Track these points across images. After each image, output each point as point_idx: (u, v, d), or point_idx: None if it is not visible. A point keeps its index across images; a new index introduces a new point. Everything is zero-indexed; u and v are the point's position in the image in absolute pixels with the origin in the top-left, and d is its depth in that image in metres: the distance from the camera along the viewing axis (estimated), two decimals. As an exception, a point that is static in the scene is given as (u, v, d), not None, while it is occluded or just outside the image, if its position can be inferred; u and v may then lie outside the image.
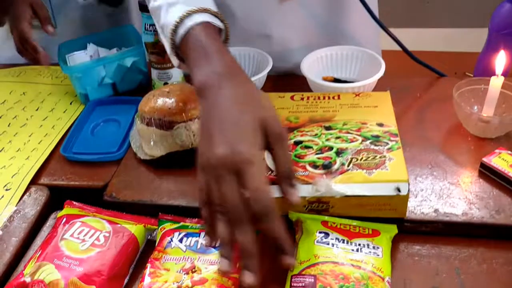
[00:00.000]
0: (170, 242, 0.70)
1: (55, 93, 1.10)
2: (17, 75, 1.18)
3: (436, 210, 0.74)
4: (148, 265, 0.68)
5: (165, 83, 0.99)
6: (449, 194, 0.76)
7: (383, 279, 0.64)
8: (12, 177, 0.88)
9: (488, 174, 0.78)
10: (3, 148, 0.96)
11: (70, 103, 1.06)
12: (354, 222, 0.71)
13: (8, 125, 1.02)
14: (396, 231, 0.71)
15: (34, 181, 0.87)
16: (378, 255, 0.67)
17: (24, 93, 1.12)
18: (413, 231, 0.74)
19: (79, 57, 1.05)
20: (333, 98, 0.86)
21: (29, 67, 1.20)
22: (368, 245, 0.68)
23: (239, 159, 0.55)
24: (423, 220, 0.73)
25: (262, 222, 0.55)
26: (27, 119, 1.03)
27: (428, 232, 0.74)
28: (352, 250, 0.67)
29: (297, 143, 0.76)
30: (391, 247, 0.70)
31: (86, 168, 0.89)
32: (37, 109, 1.06)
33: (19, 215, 0.81)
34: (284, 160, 0.60)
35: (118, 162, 0.89)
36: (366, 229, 0.70)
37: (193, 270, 0.66)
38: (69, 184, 0.87)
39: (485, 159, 0.78)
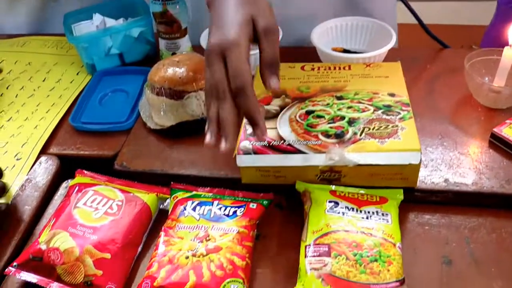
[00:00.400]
0: (183, 210, 0.71)
1: (61, 63, 1.09)
2: (22, 45, 1.17)
3: (446, 180, 0.74)
4: (162, 233, 0.69)
5: (173, 53, 0.98)
6: (459, 164, 0.77)
7: (394, 245, 0.65)
8: (22, 146, 0.88)
9: (499, 144, 0.78)
10: (11, 117, 0.95)
11: (77, 74, 1.05)
12: (362, 190, 0.72)
13: (16, 96, 1.01)
14: (402, 195, 0.71)
15: (43, 151, 0.88)
16: (387, 222, 0.68)
17: (29, 63, 1.11)
18: (423, 200, 0.75)
19: (85, 27, 1.04)
20: (344, 68, 0.85)
21: (33, 37, 1.19)
22: (377, 212, 0.69)
23: (225, 44, 0.62)
24: (433, 190, 0.74)
25: (238, 96, 0.61)
26: (34, 89, 1.03)
27: (438, 202, 0.74)
28: (362, 218, 0.68)
29: (309, 112, 0.76)
30: (401, 216, 0.71)
31: (95, 137, 0.89)
32: (43, 80, 1.05)
33: (30, 184, 0.82)
34: (269, 51, 0.65)
35: (127, 132, 0.89)
36: (374, 196, 0.71)
37: (207, 238, 0.66)
38: (79, 154, 0.87)
39: (495, 129, 0.78)
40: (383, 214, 0.68)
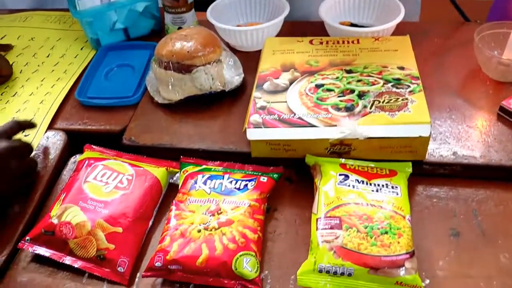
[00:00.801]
0: (194, 184, 0.71)
1: (64, 38, 1.08)
2: (24, 20, 1.15)
3: (454, 153, 0.75)
4: (173, 207, 0.69)
5: (179, 28, 0.97)
6: (468, 137, 0.77)
7: (404, 217, 0.65)
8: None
9: (507, 117, 0.78)
10: (16, 92, 0.95)
11: (81, 49, 1.05)
12: (371, 164, 0.72)
13: (20, 72, 1.01)
14: (411, 168, 0.72)
15: (50, 126, 0.87)
16: (397, 194, 0.68)
17: (32, 38, 1.09)
18: (432, 173, 0.75)
19: (90, 2, 1.02)
20: (352, 42, 0.85)
21: (36, 12, 1.18)
22: (386, 185, 0.69)
23: None
24: (441, 163, 0.74)
25: None
26: (38, 65, 1.02)
27: (446, 175, 0.75)
28: (372, 190, 0.68)
29: (318, 86, 0.76)
30: (410, 189, 0.71)
31: (102, 112, 0.89)
32: (47, 56, 1.04)
33: (39, 159, 0.82)
34: None
35: (134, 107, 0.88)
36: (383, 169, 0.71)
37: (219, 212, 0.67)
38: (86, 129, 0.87)
39: (504, 102, 0.78)
40: (392, 187, 0.69)
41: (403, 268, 0.60)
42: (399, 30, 0.93)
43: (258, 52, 0.93)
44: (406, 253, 0.61)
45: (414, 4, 1.16)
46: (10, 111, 0.90)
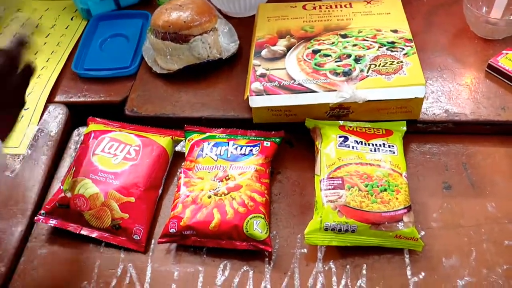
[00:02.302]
0: (200, 152, 0.74)
1: (52, 8, 1.07)
2: (8, -9, 1.13)
3: (446, 111, 0.78)
4: (182, 175, 0.72)
5: (171, -5, 0.97)
6: (458, 95, 0.80)
7: (400, 174, 0.70)
8: (27, 96, 0.88)
9: (495, 74, 0.82)
10: (11, 68, 0.94)
11: (71, 19, 1.04)
12: (368, 124, 0.75)
13: (10, 44, 1.00)
14: (405, 126, 0.75)
15: (49, 100, 0.88)
16: (394, 153, 0.72)
17: (19, 9, 1.08)
18: (425, 131, 0.79)
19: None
20: (345, 6, 0.86)
21: (19, -18, 1.15)
22: (384, 144, 0.73)
23: None
24: (434, 121, 0.78)
25: None
26: (28, 36, 1.01)
27: (439, 132, 0.79)
28: (371, 150, 0.72)
29: (315, 51, 0.78)
30: (405, 147, 0.75)
31: (100, 84, 0.90)
32: (36, 26, 1.03)
33: (42, 133, 0.83)
34: None
35: (132, 77, 0.89)
36: (380, 129, 0.75)
37: (227, 177, 0.70)
38: (86, 101, 0.88)
39: (492, 60, 0.81)
40: (389, 146, 0.73)
41: (402, 222, 0.65)
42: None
43: (251, 18, 0.94)
44: (404, 208, 0.66)
45: None
46: (8, 87, 0.90)
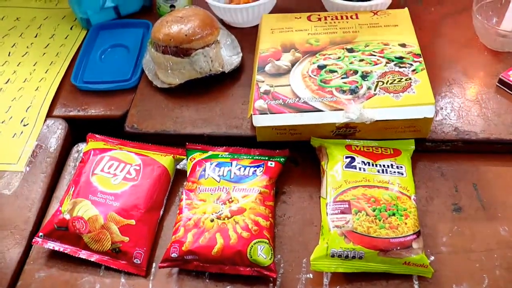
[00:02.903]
0: (203, 172, 0.72)
1: (51, 17, 1.05)
2: (6, 0, 1.11)
3: (456, 129, 0.76)
4: (184, 196, 0.70)
5: (172, 6, 0.94)
6: (468, 111, 0.78)
7: (409, 197, 0.67)
8: (26, 110, 0.86)
9: (505, 89, 0.79)
10: (9, 79, 0.93)
11: (71, 28, 1.02)
12: (375, 143, 0.73)
13: (9, 54, 0.98)
14: (414, 145, 0.73)
15: (48, 113, 0.86)
16: (402, 174, 0.70)
17: (17, 18, 1.06)
18: (434, 150, 0.77)
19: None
20: (351, 17, 0.84)
21: (17, -10, 1.13)
22: (392, 165, 0.71)
23: None
24: (444, 140, 0.76)
25: None
26: (27, 46, 0.99)
27: (448, 150, 0.76)
28: (378, 171, 0.70)
29: (321, 67, 0.76)
30: (413, 166, 0.73)
31: (99, 97, 0.88)
32: (35, 36, 1.01)
33: (41, 150, 0.81)
34: None
35: (132, 90, 0.87)
36: (388, 149, 0.73)
37: (230, 200, 0.68)
38: (86, 115, 0.86)
39: (503, 75, 0.79)
40: (397, 167, 0.70)
41: (411, 248, 0.63)
42: (395, -1, 0.92)
43: (254, 28, 0.92)
44: (413, 234, 0.64)
45: None
46: (6, 100, 0.88)
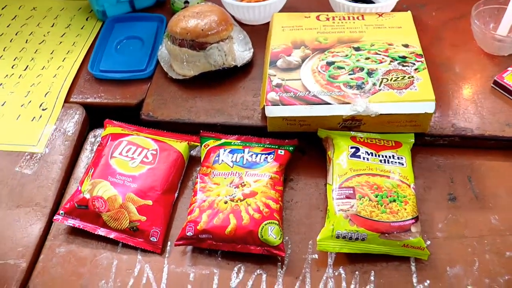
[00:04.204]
0: (217, 158, 0.76)
1: (68, 8, 1.09)
2: (23, -11, 1.14)
3: (453, 125, 0.81)
4: (198, 180, 0.75)
5: (186, 2, 0.99)
6: (465, 109, 0.83)
7: (409, 185, 0.72)
8: (45, 96, 0.90)
9: (500, 90, 0.85)
10: (27, 66, 0.96)
11: (86, 19, 1.05)
12: (378, 136, 0.78)
13: (26, 42, 1.02)
14: (414, 139, 0.78)
15: (66, 99, 0.90)
16: (402, 165, 0.75)
17: (34, 8, 1.09)
18: (432, 144, 0.82)
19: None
20: (358, 18, 0.89)
21: (34, -19, 1.17)
22: (393, 156, 0.76)
23: None
24: (441, 135, 0.81)
25: None
26: (44, 35, 1.03)
27: (445, 145, 0.82)
28: (381, 161, 0.75)
29: (329, 63, 0.81)
30: (412, 158, 0.78)
31: (115, 85, 0.92)
32: (52, 25, 1.05)
33: (59, 133, 0.85)
34: None
35: (147, 80, 0.92)
36: (390, 141, 0.78)
37: (243, 184, 0.73)
38: (102, 102, 0.90)
39: (497, 77, 0.84)
40: (398, 158, 0.75)
41: (410, 232, 0.68)
42: (399, 2, 0.96)
43: (265, 25, 0.96)
44: (412, 219, 0.69)
45: None
46: (25, 85, 0.92)
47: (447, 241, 0.71)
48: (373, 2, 0.99)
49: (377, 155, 0.75)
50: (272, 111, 0.76)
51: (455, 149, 0.81)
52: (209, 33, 0.83)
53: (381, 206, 0.69)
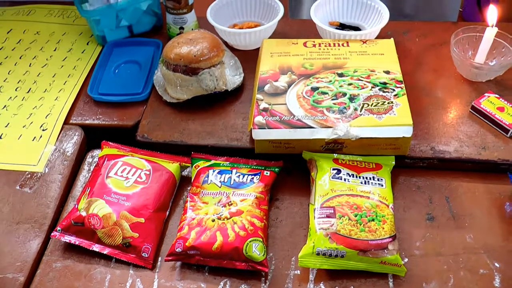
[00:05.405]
0: (206, 178, 0.80)
1: (69, 33, 1.14)
2: (27, 14, 1.20)
3: (432, 148, 0.85)
4: (188, 199, 0.79)
5: (181, 28, 1.04)
6: (444, 133, 0.88)
7: (387, 206, 0.76)
8: (46, 117, 0.95)
9: (477, 115, 0.89)
10: (30, 88, 1.01)
11: (87, 44, 1.11)
12: (359, 158, 0.82)
13: (30, 65, 1.07)
14: (394, 161, 0.82)
15: (65, 121, 0.95)
16: (382, 186, 0.79)
17: (38, 32, 1.15)
18: (412, 166, 0.86)
19: (97, 2, 1.07)
20: (343, 45, 0.94)
21: (38, 6, 1.22)
22: (373, 177, 0.80)
23: None
24: (421, 157, 0.85)
25: None
26: (46, 59, 1.08)
27: (424, 167, 0.86)
28: (361, 182, 0.79)
29: (314, 89, 0.85)
30: (393, 179, 0.82)
31: (113, 108, 0.97)
32: (54, 50, 1.10)
33: (59, 153, 0.90)
34: None
35: (143, 103, 0.96)
36: (370, 163, 0.82)
37: (229, 203, 0.77)
38: (100, 124, 0.95)
39: (475, 103, 0.89)
40: (378, 179, 0.79)
41: (387, 250, 0.72)
42: (384, 27, 1.01)
43: (256, 50, 1.01)
44: (389, 237, 0.73)
45: None
46: (28, 108, 0.97)
47: (424, 259, 0.75)
48: (359, 29, 1.05)
49: (358, 177, 0.80)
50: (259, 134, 0.81)
51: (434, 171, 0.85)
52: (201, 59, 0.88)
53: (360, 225, 0.73)
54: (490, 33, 0.89)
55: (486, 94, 0.89)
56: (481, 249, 0.75)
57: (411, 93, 0.92)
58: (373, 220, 0.74)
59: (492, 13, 0.90)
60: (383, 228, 0.73)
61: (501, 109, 0.87)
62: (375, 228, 0.73)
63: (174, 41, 0.92)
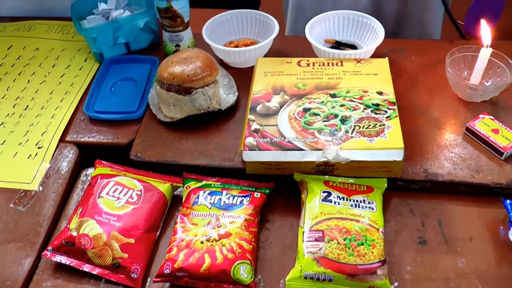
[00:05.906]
0: (196, 199, 0.81)
1: (68, 49, 1.15)
2: (28, 30, 1.22)
3: (425, 170, 0.85)
4: (178, 220, 0.79)
5: (177, 45, 1.05)
6: (437, 155, 0.87)
7: (377, 230, 0.76)
8: (42, 135, 0.96)
9: (472, 137, 0.88)
10: (28, 106, 1.02)
11: (85, 60, 1.12)
12: (351, 180, 0.82)
13: (28, 82, 1.08)
14: (386, 184, 0.82)
15: (61, 139, 0.96)
16: (373, 209, 0.78)
17: (37, 48, 1.16)
18: (405, 188, 0.85)
19: (95, 20, 1.09)
20: (337, 64, 0.94)
21: (38, 22, 1.24)
22: (364, 200, 0.79)
23: None
24: (414, 180, 0.84)
25: None
26: (45, 75, 1.09)
27: (417, 189, 0.85)
28: (351, 205, 0.78)
29: (306, 110, 0.85)
30: (385, 202, 0.81)
31: (108, 126, 0.97)
32: (53, 66, 1.11)
33: (53, 171, 0.90)
34: None
35: (138, 121, 0.97)
36: (362, 186, 0.81)
37: (219, 225, 0.77)
38: (95, 142, 0.95)
39: (469, 124, 0.88)
40: (369, 203, 0.79)
41: (375, 274, 0.71)
42: (379, 46, 1.01)
43: (251, 68, 1.01)
44: (379, 262, 0.72)
45: None
46: (25, 125, 0.98)
47: (414, 283, 0.74)
48: (355, 47, 1.04)
49: (348, 200, 0.79)
50: (249, 156, 0.81)
51: (427, 194, 0.85)
52: (194, 78, 0.89)
53: (349, 249, 0.73)
54: (485, 54, 0.89)
55: (480, 116, 0.89)
56: (473, 274, 0.74)
57: (406, 113, 0.92)
58: (362, 244, 0.74)
59: (486, 33, 0.89)
60: (373, 253, 0.73)
61: (495, 131, 0.86)
62: (364, 253, 0.73)
63: (168, 60, 0.92)
